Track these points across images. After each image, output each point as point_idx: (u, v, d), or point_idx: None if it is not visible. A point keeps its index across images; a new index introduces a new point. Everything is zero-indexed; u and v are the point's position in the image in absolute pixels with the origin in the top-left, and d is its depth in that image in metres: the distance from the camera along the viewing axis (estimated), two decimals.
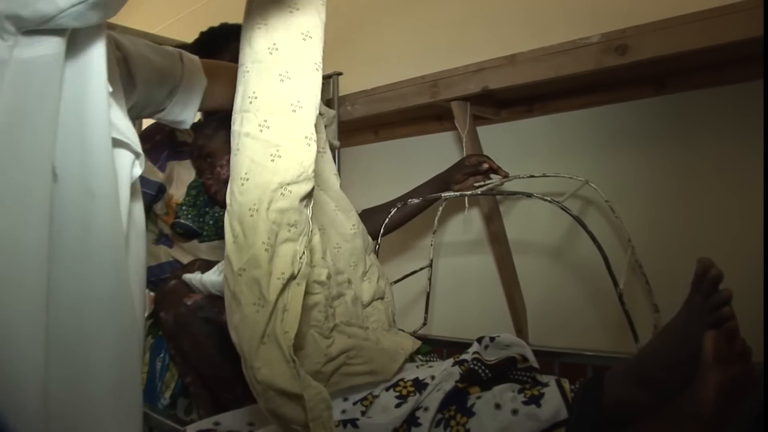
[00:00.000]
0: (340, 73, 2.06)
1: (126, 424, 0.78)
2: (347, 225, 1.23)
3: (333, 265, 1.15)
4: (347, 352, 1.05)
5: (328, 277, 1.08)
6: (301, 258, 0.91)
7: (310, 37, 0.97)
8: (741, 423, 0.78)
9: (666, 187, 1.63)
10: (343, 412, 1.01)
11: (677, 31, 1.36)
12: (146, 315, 1.38)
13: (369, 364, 1.05)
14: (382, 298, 1.29)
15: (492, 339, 1.05)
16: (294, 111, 0.89)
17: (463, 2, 2.01)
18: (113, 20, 1.51)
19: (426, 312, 1.70)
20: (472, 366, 1.00)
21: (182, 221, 1.48)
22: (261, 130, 0.88)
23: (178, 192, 1.49)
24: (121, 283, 0.78)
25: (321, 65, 0.97)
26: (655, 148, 1.65)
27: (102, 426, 0.75)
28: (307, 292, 1.03)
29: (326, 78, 2.06)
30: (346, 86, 2.06)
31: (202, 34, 1.55)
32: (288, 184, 0.89)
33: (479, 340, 1.06)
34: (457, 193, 1.48)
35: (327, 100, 2.05)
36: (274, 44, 0.91)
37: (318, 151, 1.19)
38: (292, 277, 0.90)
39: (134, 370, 0.82)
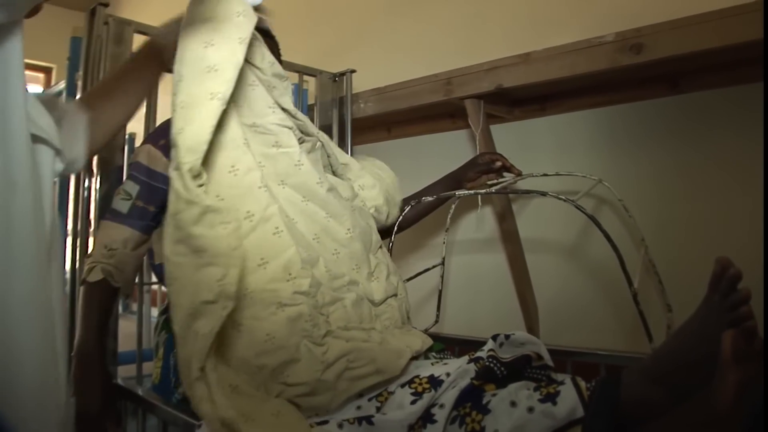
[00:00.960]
0: (353, 71, 2.06)
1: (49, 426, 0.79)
2: (341, 230, 1.22)
3: (329, 272, 1.15)
4: (346, 355, 1.04)
5: (313, 285, 1.09)
6: (220, 280, 0.96)
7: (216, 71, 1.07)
8: (743, 423, 0.78)
9: (679, 187, 1.63)
10: (358, 408, 1.01)
11: (693, 30, 1.36)
12: (160, 310, 1.38)
13: (373, 364, 1.05)
14: (395, 295, 1.29)
15: (507, 337, 1.05)
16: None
17: (477, 0, 2.01)
18: (128, 16, 1.53)
19: (438, 310, 1.71)
20: (487, 363, 1.00)
21: None
22: None
23: None
24: (42, 278, 0.78)
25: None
26: (669, 147, 1.64)
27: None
28: (289, 304, 1.05)
29: (339, 75, 2.07)
30: (359, 84, 2.06)
31: None
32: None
33: (494, 337, 1.06)
34: (471, 192, 1.47)
35: (340, 98, 2.05)
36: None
37: (295, 164, 1.21)
38: (211, 302, 0.95)
39: (59, 371, 0.83)
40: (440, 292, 1.71)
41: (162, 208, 1.48)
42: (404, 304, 1.32)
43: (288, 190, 1.18)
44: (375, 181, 1.49)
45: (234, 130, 1.14)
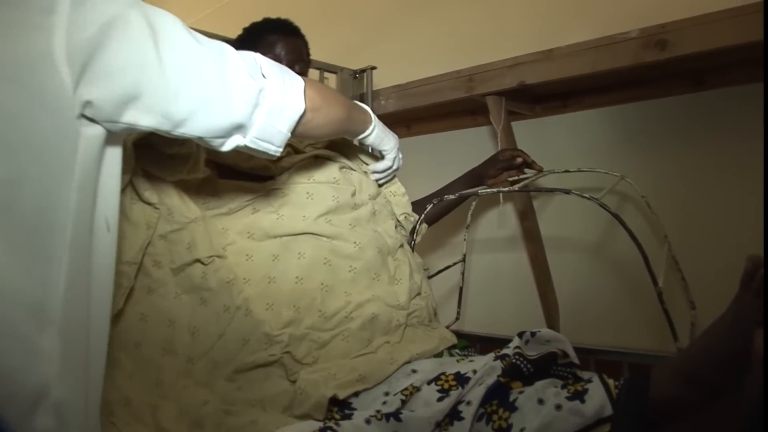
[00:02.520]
0: (374, 68, 2.06)
1: None
2: (348, 246, 1.21)
3: (322, 314, 1.14)
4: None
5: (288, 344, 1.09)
6: None
7: None
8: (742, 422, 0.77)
9: (702, 183, 1.62)
10: (384, 403, 1.01)
11: (719, 26, 1.35)
12: None
13: (355, 372, 1.06)
14: (419, 293, 1.29)
15: (533, 334, 1.05)
16: None
17: None
18: None
19: (459, 307, 1.70)
20: (514, 361, 1.00)
21: None
22: None
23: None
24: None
25: None
26: (692, 144, 1.63)
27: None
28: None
29: (360, 72, 2.07)
30: (380, 80, 2.06)
31: (243, 29, 1.55)
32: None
33: (520, 334, 1.06)
34: (494, 190, 1.47)
35: (360, 95, 2.05)
36: None
37: (285, 194, 1.23)
38: None
39: None
40: (461, 289, 1.70)
41: None
42: (430, 302, 1.31)
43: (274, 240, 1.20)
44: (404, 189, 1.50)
45: None
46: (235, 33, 1.52)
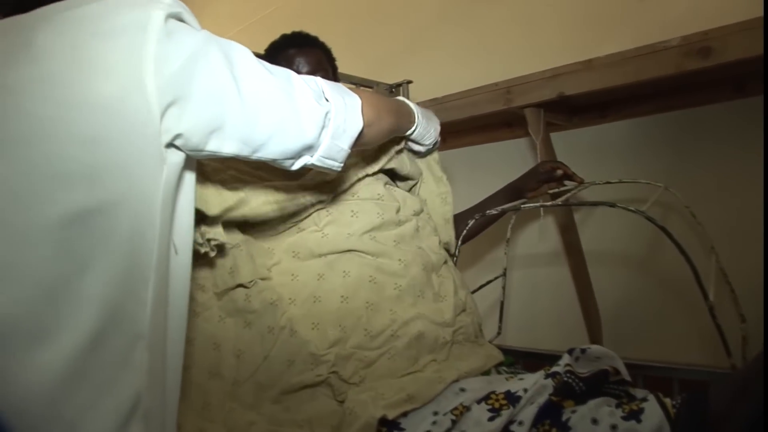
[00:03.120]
0: (410, 81, 2.06)
1: None
2: (393, 263, 1.20)
3: (367, 333, 1.13)
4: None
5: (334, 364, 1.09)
6: None
7: None
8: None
9: (747, 192, 1.58)
10: (434, 423, 1.00)
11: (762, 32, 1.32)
12: None
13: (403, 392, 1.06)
14: (464, 309, 1.28)
15: (583, 351, 1.03)
16: None
17: (534, 7, 1.99)
18: None
19: (500, 322, 1.68)
20: (565, 379, 0.98)
21: None
22: None
23: None
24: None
25: None
26: (735, 151, 1.60)
27: None
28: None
29: (396, 86, 2.07)
30: (417, 94, 2.06)
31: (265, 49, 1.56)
32: None
33: (570, 351, 1.04)
34: (537, 204, 1.45)
35: None
36: None
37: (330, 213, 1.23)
38: None
39: None
40: (502, 303, 1.69)
41: None
42: (475, 318, 1.30)
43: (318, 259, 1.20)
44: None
45: None
46: (263, 49, 1.53)
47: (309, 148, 0.93)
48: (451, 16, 2.23)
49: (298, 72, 1.40)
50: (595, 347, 1.03)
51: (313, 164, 0.96)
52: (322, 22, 2.82)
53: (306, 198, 1.20)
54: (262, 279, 1.13)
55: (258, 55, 1.50)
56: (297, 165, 0.95)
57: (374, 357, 1.10)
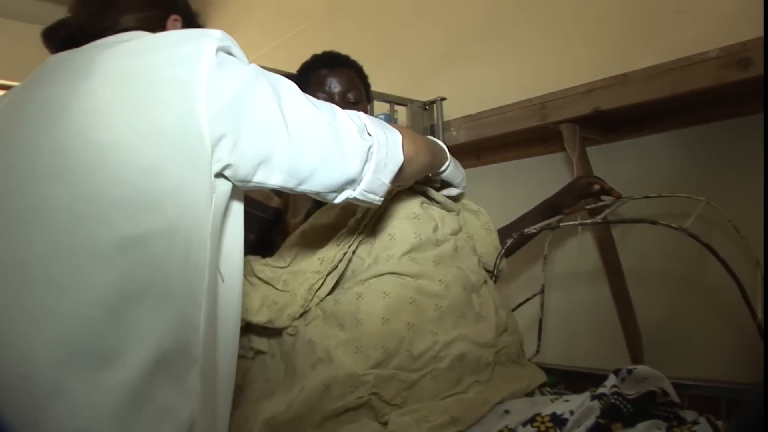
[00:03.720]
0: (443, 98, 2.05)
1: None
2: (434, 284, 1.19)
3: (409, 354, 1.11)
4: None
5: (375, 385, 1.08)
6: None
7: None
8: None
9: None
10: None
11: None
12: None
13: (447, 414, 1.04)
14: (506, 329, 1.26)
15: (629, 371, 1.00)
16: None
17: (567, 21, 1.97)
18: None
19: (539, 340, 1.66)
20: (612, 401, 0.96)
21: None
22: None
23: (295, 218, 1.50)
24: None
25: None
26: None
27: None
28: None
29: (430, 103, 2.06)
30: (450, 111, 2.05)
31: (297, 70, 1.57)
32: None
33: (616, 372, 1.02)
34: (576, 222, 1.43)
35: (431, 126, 2.05)
36: None
37: (370, 241, 1.24)
38: None
39: None
40: (540, 321, 1.66)
41: (265, 237, 1.50)
42: (517, 337, 1.28)
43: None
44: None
45: None
46: (294, 68, 1.53)
47: (352, 182, 0.94)
48: (483, 33, 2.23)
49: (330, 92, 1.42)
50: (641, 368, 1.01)
51: (355, 198, 0.96)
52: (354, 39, 2.85)
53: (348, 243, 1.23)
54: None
55: (289, 75, 1.52)
56: (339, 198, 0.96)
57: (416, 378, 1.09)
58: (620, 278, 1.78)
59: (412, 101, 2.05)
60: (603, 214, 1.45)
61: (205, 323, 0.77)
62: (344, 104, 1.42)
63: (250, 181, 0.84)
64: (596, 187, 1.56)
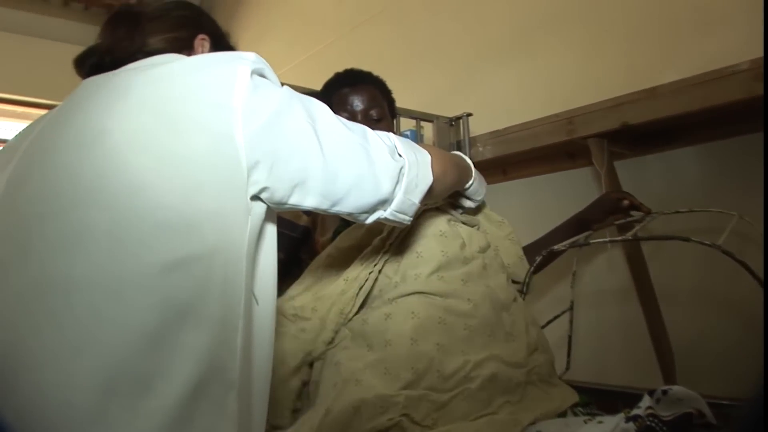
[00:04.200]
0: (469, 114, 2.05)
1: None
2: (462, 303, 1.18)
3: (440, 374, 1.10)
4: None
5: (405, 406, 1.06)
6: None
7: None
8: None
9: None
10: None
11: None
12: None
13: None
14: (537, 348, 1.24)
15: (664, 392, 0.98)
16: None
17: (592, 35, 1.96)
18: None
19: (568, 357, 1.64)
20: (648, 423, 0.94)
21: None
22: None
23: (324, 237, 1.50)
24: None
25: None
26: None
27: None
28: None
29: (456, 119, 2.06)
30: (477, 127, 2.04)
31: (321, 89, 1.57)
32: None
33: (650, 393, 1.00)
34: (606, 239, 1.41)
35: (457, 142, 2.04)
36: None
37: (398, 261, 1.24)
38: None
39: None
40: (570, 338, 1.64)
41: (293, 256, 1.50)
42: (548, 356, 1.27)
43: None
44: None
45: None
46: (319, 84, 1.54)
47: (384, 203, 0.95)
48: (508, 48, 2.22)
49: (353, 110, 1.42)
50: (677, 388, 0.99)
51: (386, 218, 0.97)
52: (379, 55, 2.85)
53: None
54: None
55: (312, 93, 1.53)
56: (371, 219, 0.96)
57: (447, 399, 1.08)
58: (651, 295, 1.76)
59: (438, 117, 2.05)
60: (633, 231, 1.43)
61: (242, 347, 0.76)
62: (367, 121, 1.42)
63: (285, 204, 0.85)
64: (625, 202, 1.53)
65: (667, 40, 1.78)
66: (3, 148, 0.91)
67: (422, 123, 2.03)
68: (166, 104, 0.78)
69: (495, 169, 2.17)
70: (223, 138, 0.77)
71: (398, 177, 0.95)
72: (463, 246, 1.27)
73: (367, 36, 2.99)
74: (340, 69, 1.54)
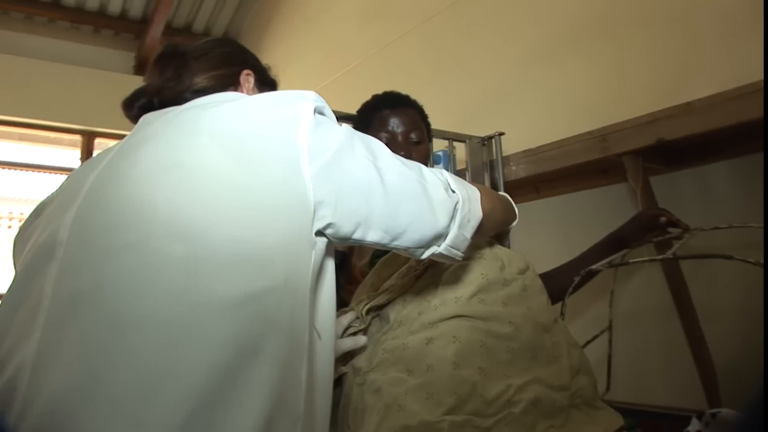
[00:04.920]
0: (502, 133, 2.04)
1: None
2: (504, 326, 1.16)
3: (483, 398, 1.08)
4: None
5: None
6: None
7: None
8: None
9: None
10: None
11: None
12: None
13: None
14: (580, 370, 1.22)
15: (713, 415, 0.97)
16: None
17: (624, 51, 1.95)
18: None
19: (608, 378, 1.61)
20: None
21: None
22: None
23: (361, 261, 1.50)
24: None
25: None
26: None
27: None
28: None
29: (488, 139, 2.05)
30: (509, 146, 2.04)
31: (358, 111, 1.57)
32: None
33: (699, 416, 0.98)
34: (645, 259, 1.39)
35: (490, 161, 2.03)
36: None
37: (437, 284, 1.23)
38: None
39: None
40: (610, 358, 1.61)
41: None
42: (591, 378, 1.25)
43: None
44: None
45: None
46: (347, 106, 1.54)
47: (439, 237, 0.96)
48: (537, 65, 2.22)
49: (393, 132, 1.43)
50: (725, 411, 0.97)
51: (440, 253, 0.98)
52: (406, 76, 2.86)
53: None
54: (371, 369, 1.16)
55: (346, 117, 1.53)
56: (426, 254, 0.97)
57: (490, 424, 1.06)
58: (692, 313, 1.73)
59: (470, 137, 2.05)
60: (672, 250, 1.41)
61: (307, 380, 0.77)
62: (407, 144, 1.44)
63: (349, 239, 0.86)
64: (663, 219, 1.51)
65: (696, 53, 1.77)
66: (67, 182, 0.92)
67: (454, 143, 2.03)
68: (237, 140, 0.80)
69: (527, 187, 2.16)
70: (292, 173, 0.79)
71: (453, 212, 0.96)
72: (502, 267, 1.26)
73: (394, 56, 3.00)
74: (367, 91, 1.55)
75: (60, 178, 4.96)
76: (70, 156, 5.02)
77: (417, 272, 1.25)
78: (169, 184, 0.75)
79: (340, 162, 0.83)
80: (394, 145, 1.43)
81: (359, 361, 1.17)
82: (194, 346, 0.68)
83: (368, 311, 1.23)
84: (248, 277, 0.72)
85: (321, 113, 0.88)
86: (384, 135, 1.43)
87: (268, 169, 0.78)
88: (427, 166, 1.03)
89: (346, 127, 0.89)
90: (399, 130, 1.43)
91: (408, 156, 1.41)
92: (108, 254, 0.72)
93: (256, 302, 0.71)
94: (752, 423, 0.65)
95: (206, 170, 0.77)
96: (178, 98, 0.98)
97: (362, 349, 1.19)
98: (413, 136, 1.44)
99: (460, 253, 1.01)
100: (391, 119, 1.44)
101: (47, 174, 5.01)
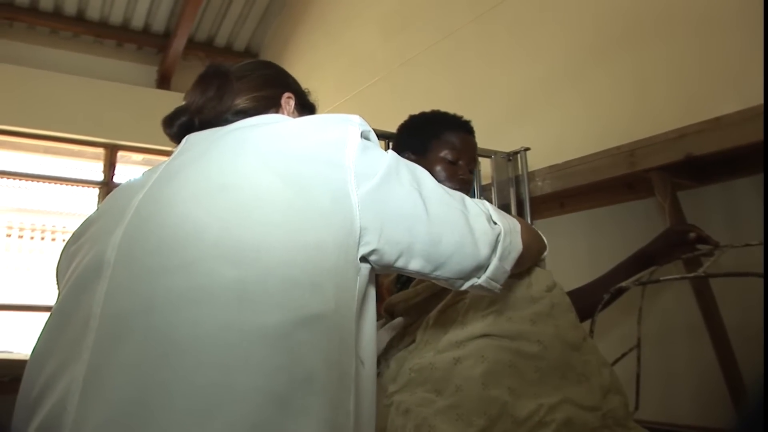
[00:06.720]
0: (527, 149, 2.03)
1: None
2: (532, 345, 1.15)
3: (514, 419, 1.07)
4: None
5: None
6: None
7: None
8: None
9: None
10: None
11: None
12: None
13: None
14: (610, 390, 1.21)
15: None
16: None
17: (651, 66, 1.94)
18: None
19: (637, 396, 1.59)
20: None
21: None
22: None
23: (387, 278, 1.49)
24: None
25: None
26: None
27: None
28: None
29: (513, 154, 2.04)
30: (535, 161, 2.03)
31: (413, 119, 1.57)
32: None
33: None
34: (675, 277, 1.37)
35: (515, 177, 2.02)
36: None
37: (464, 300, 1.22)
38: None
39: None
40: (638, 376, 1.59)
41: None
42: (622, 397, 1.23)
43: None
44: None
45: None
46: (369, 120, 1.54)
47: (480, 269, 0.94)
48: (561, 80, 2.21)
49: (459, 155, 1.44)
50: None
51: (480, 285, 0.96)
52: (428, 90, 2.86)
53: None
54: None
55: (400, 128, 1.53)
56: (465, 285, 0.96)
57: None
58: (722, 331, 1.70)
59: (495, 152, 2.04)
60: (703, 267, 1.39)
61: (355, 409, 0.75)
62: (466, 172, 1.47)
63: (391, 266, 0.85)
64: (692, 235, 1.49)
65: (724, 68, 1.75)
66: (111, 203, 0.91)
67: (479, 158, 2.02)
68: (285, 161, 0.80)
69: (552, 202, 2.15)
70: (340, 196, 0.78)
71: (495, 244, 0.95)
72: (529, 285, 1.25)
73: (418, 71, 3.00)
74: (390, 105, 1.56)
75: (83, 191, 5.03)
76: (93, 168, 5.06)
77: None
78: (220, 205, 0.75)
79: (386, 188, 0.82)
80: (454, 168, 1.45)
81: (384, 380, 1.16)
82: (248, 372, 0.66)
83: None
84: (300, 301, 0.71)
85: (366, 138, 0.87)
86: (452, 153, 1.45)
87: (317, 191, 0.77)
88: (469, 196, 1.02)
89: (392, 153, 0.88)
90: (465, 156, 1.46)
91: (465, 182, 1.45)
92: (158, 275, 0.71)
93: (309, 328, 0.70)
94: (752, 423, 0.64)
95: (257, 191, 0.76)
96: (218, 118, 0.98)
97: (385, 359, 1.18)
98: (472, 165, 1.49)
99: (498, 286, 0.99)
100: (462, 143, 1.47)
101: (71, 186, 5.05)
